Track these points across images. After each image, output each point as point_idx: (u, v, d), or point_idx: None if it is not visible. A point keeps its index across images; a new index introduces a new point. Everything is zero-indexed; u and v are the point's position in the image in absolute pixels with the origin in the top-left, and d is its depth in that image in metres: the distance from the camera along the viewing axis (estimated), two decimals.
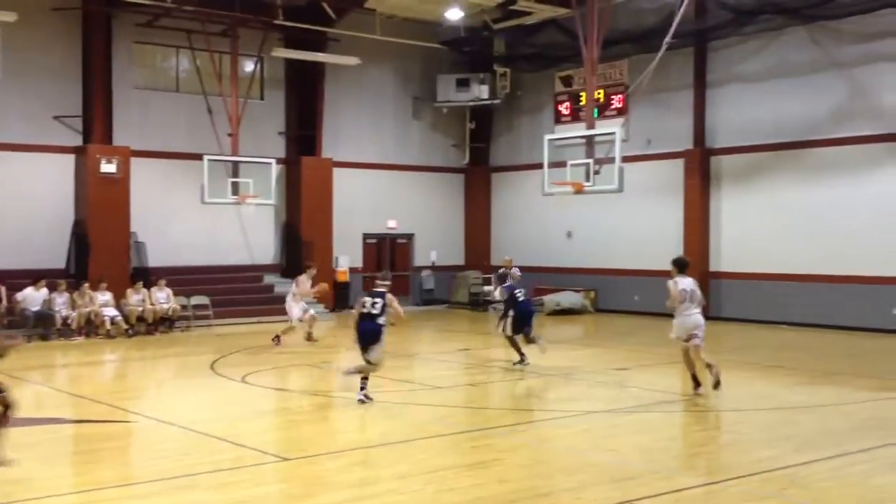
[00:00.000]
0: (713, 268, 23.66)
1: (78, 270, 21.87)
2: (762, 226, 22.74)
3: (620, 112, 24.77)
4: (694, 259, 23.62)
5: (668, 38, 18.26)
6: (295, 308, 18.63)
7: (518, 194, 28.14)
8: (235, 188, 23.03)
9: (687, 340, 12.29)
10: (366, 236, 27.76)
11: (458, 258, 29.35)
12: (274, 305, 24.18)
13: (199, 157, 22.61)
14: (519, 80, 28.29)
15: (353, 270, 26.75)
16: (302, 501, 7.86)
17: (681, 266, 12.54)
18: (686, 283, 12.32)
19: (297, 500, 7.92)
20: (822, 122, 21.59)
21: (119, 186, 22.46)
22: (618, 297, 25.50)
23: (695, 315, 12.22)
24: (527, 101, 28.36)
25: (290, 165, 26.03)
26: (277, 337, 18.23)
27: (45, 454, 9.44)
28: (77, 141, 22.80)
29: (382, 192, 27.79)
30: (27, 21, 21.10)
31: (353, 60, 25.09)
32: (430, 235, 28.88)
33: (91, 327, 20.17)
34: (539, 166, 19.68)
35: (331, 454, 9.58)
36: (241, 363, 16.00)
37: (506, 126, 29.14)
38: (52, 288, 20.14)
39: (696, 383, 12.42)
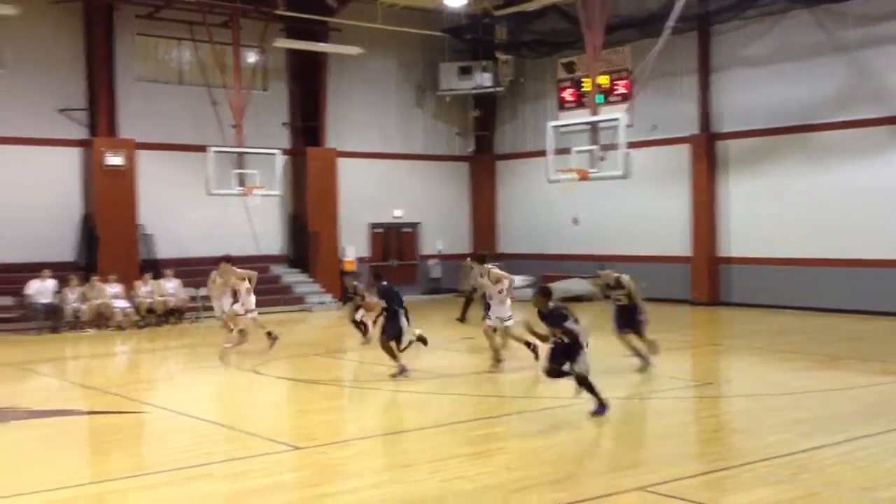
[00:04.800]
0: (721, 253, 23.65)
1: (87, 263, 21.96)
2: (768, 210, 22.68)
3: (625, 98, 24.69)
4: (701, 244, 23.76)
5: (670, 23, 18.17)
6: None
7: (523, 181, 28.10)
8: (241, 179, 23.06)
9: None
10: (372, 226, 27.78)
11: (464, 246, 29.36)
12: (281, 295, 24.29)
13: (204, 148, 22.63)
14: (522, 67, 28.23)
15: (360, 260, 26.80)
16: (313, 490, 7.90)
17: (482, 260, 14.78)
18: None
19: (308, 489, 7.96)
20: (826, 105, 21.51)
21: (125, 179, 22.52)
22: None
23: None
24: (530, 88, 28.30)
25: (295, 156, 26.04)
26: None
27: (58, 445, 9.51)
28: (83, 134, 22.84)
29: (387, 181, 27.78)
30: (29, 14, 21.09)
31: (354, 50, 25.06)
32: (435, 224, 28.88)
33: (102, 319, 20.27)
34: (544, 153, 19.65)
35: (340, 443, 9.63)
36: (250, 353, 16.03)
37: (509, 113, 29.09)
38: (63, 281, 20.25)
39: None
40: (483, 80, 27.80)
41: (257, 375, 13.93)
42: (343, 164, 26.44)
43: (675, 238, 24.32)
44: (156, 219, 23.21)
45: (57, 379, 14.59)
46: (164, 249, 23.07)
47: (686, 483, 7.73)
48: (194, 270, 23.08)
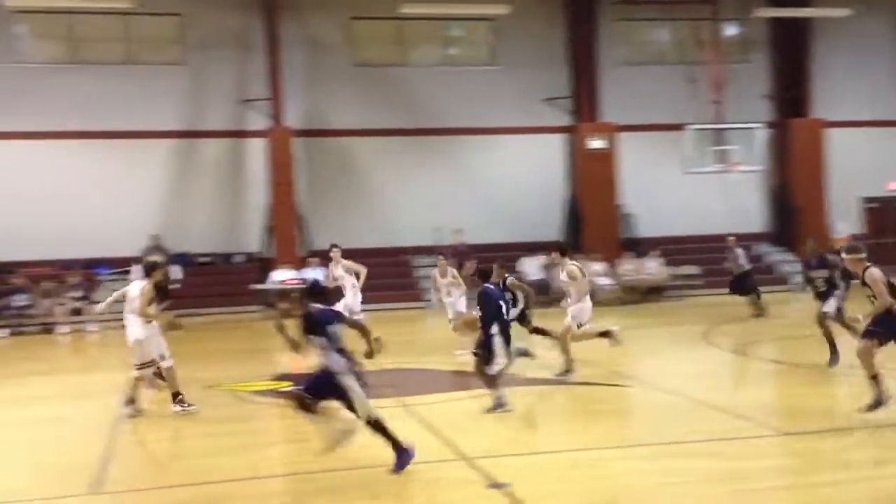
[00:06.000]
0: None
1: (572, 242, 23.15)
2: None
3: None
4: None
5: None
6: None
7: None
8: (720, 156, 22.58)
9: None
10: (865, 200, 25.57)
11: None
12: (764, 275, 23.34)
13: (681, 127, 22.55)
14: None
15: (853, 237, 24.81)
16: (801, 478, 7.45)
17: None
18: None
19: (794, 476, 7.55)
20: None
21: (606, 161, 23.37)
22: None
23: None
24: None
25: (777, 129, 24.87)
26: None
27: (547, 411, 10.12)
28: (566, 120, 24.09)
29: (882, 151, 25.35)
30: (518, 12, 22.76)
31: (843, 12, 23.24)
32: None
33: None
34: None
35: (834, 431, 8.94)
36: (733, 334, 15.65)
37: None
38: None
39: None
40: None
41: (742, 356, 13.56)
42: (830, 135, 24.68)
43: None
44: (636, 199, 23.72)
45: (546, 351, 15.53)
46: (645, 228, 23.51)
47: None
48: (674, 249, 23.21)
